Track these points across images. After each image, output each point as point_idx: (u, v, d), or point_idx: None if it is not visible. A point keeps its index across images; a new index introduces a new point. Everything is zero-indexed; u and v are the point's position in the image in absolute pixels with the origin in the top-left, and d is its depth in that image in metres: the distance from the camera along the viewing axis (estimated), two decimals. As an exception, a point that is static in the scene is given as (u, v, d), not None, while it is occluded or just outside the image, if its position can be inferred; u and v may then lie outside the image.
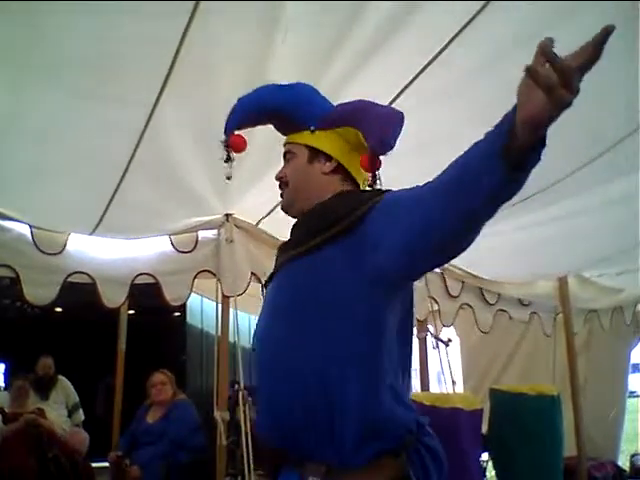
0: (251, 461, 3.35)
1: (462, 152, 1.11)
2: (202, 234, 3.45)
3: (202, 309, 7.12)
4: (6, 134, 2.33)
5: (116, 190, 2.80)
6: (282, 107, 1.55)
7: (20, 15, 1.75)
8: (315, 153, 1.54)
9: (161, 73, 2.06)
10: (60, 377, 5.14)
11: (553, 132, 0.97)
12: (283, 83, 1.59)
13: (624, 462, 6.04)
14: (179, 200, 3.08)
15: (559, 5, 1.85)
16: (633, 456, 6.02)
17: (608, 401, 5.73)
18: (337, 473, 1.28)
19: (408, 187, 1.29)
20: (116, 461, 4.07)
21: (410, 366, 1.44)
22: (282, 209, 1.61)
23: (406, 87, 2.23)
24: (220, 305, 3.48)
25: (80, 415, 5.13)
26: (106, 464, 4.24)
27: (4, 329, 7.14)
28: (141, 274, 3.38)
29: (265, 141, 2.56)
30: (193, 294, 3.80)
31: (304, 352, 1.32)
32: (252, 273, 3.46)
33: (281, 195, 1.60)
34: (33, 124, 2.29)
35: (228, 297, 3.43)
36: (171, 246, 3.41)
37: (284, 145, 1.61)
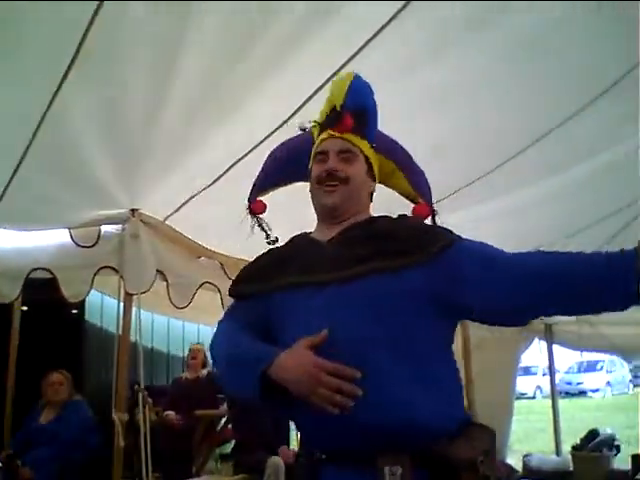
0: (149, 463, 3.27)
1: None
2: (105, 228, 3.30)
3: (102, 306, 6.85)
4: None
5: (12, 177, 2.64)
6: (372, 109, 1.52)
7: None
8: (369, 168, 1.53)
9: (67, 56, 1.96)
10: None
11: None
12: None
13: (516, 462, 6.36)
14: (82, 192, 2.94)
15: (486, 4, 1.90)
16: (525, 456, 6.34)
17: (496, 402, 5.98)
18: None
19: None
20: (6, 461, 3.95)
21: None
22: (331, 205, 1.48)
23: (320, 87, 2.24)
24: (122, 303, 3.36)
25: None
26: (-3, 464, 4.11)
27: None
28: (37, 269, 3.21)
29: (172, 136, 2.51)
30: (93, 291, 3.65)
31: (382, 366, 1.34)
32: (158, 270, 3.37)
33: (332, 190, 1.47)
34: None
35: (131, 295, 3.32)
36: (70, 239, 3.24)
37: (335, 136, 1.49)
